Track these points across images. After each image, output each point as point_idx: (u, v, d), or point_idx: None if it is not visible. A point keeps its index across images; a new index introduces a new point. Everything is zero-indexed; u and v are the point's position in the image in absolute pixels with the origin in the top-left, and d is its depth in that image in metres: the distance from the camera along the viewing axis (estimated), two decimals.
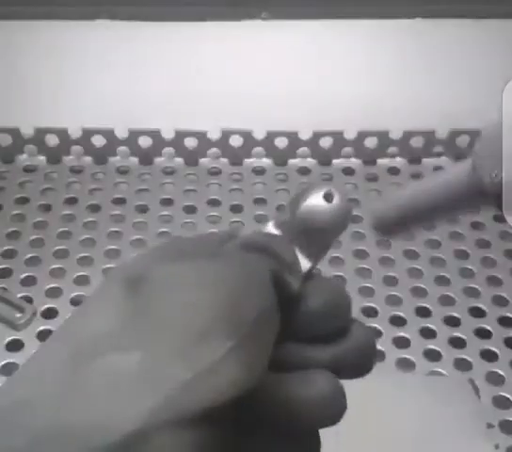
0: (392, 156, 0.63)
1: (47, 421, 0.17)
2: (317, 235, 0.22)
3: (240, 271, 0.20)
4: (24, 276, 0.53)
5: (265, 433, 0.21)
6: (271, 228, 0.23)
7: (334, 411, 0.21)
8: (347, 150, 0.62)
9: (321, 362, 0.22)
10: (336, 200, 0.22)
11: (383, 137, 0.62)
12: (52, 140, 0.61)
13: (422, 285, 0.53)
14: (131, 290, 0.20)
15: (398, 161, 0.63)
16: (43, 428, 0.17)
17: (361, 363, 0.23)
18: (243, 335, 0.19)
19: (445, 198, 0.24)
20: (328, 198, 0.22)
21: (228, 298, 0.19)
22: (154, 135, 0.61)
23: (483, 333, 0.50)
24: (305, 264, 0.22)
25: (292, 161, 0.62)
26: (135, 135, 0.61)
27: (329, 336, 0.22)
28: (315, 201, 0.22)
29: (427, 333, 0.50)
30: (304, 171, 0.62)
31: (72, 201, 0.58)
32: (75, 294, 0.52)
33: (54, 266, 0.53)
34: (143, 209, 0.58)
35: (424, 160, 0.63)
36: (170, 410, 0.17)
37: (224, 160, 0.62)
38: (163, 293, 0.19)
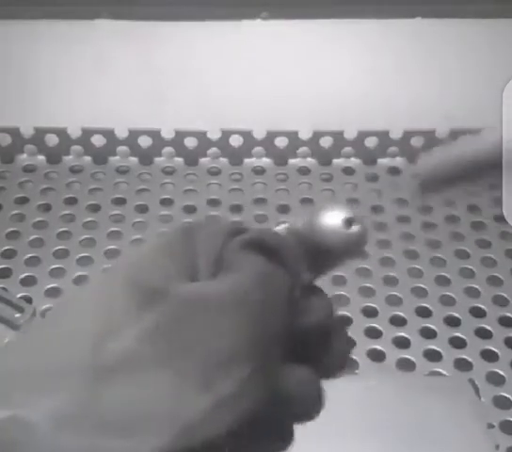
0: (393, 156, 0.63)
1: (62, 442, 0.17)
2: (328, 257, 0.22)
3: (261, 290, 0.20)
4: (23, 276, 0.53)
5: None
6: (282, 231, 0.23)
7: (310, 408, 0.21)
8: (347, 149, 0.62)
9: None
10: (356, 227, 0.22)
11: (383, 136, 0.62)
12: (52, 140, 0.61)
13: (422, 285, 0.53)
14: (147, 303, 0.19)
15: (398, 161, 0.63)
16: None
17: (342, 361, 0.22)
18: (260, 361, 0.18)
19: (490, 155, 0.25)
20: (348, 222, 0.22)
21: (250, 320, 0.19)
22: (154, 134, 0.61)
23: (483, 333, 0.50)
24: (305, 275, 0.22)
25: (292, 161, 0.62)
26: (134, 134, 0.61)
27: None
28: (335, 222, 0.22)
29: (428, 333, 0.50)
30: (304, 171, 0.62)
31: (71, 201, 0.58)
32: None
33: (53, 266, 0.53)
34: (143, 209, 0.58)
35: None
36: (186, 442, 0.17)
37: (224, 160, 0.62)
38: (184, 312, 0.19)
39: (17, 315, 0.50)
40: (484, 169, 0.25)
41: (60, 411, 0.17)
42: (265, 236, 0.22)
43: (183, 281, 0.20)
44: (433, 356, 0.49)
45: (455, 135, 0.62)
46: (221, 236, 0.22)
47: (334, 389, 0.21)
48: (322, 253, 0.22)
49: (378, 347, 0.49)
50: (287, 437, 0.21)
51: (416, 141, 0.62)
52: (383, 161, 0.63)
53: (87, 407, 0.17)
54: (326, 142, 0.62)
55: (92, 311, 0.19)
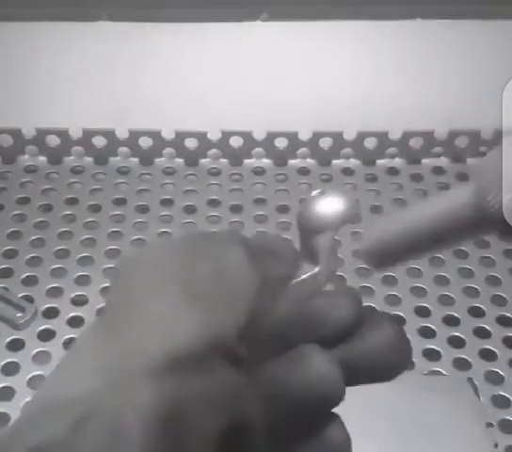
0: (392, 157, 0.63)
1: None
2: (314, 235, 0.22)
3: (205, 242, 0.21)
4: (24, 276, 0.53)
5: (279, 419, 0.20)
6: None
7: (331, 392, 0.20)
8: (347, 150, 0.62)
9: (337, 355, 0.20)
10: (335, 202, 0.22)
11: (382, 137, 0.62)
12: (53, 141, 0.61)
13: (421, 285, 0.53)
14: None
15: (397, 162, 0.63)
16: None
17: (379, 366, 0.21)
18: (200, 291, 0.19)
19: (445, 224, 0.21)
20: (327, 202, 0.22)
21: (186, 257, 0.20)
22: (155, 135, 0.61)
23: (482, 333, 0.51)
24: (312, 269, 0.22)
25: (292, 161, 0.62)
26: (135, 135, 0.61)
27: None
28: (314, 204, 0.22)
29: (427, 333, 0.50)
30: (304, 172, 0.62)
31: (72, 202, 0.59)
32: (76, 294, 0.52)
33: (54, 266, 0.54)
34: (143, 209, 0.59)
35: (424, 161, 0.63)
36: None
37: (224, 161, 0.62)
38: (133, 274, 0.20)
39: (18, 315, 0.50)
40: (444, 235, 0.21)
41: None
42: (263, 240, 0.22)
43: None
44: (432, 355, 0.49)
45: (454, 135, 0.62)
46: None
47: None
48: (309, 235, 0.22)
49: None
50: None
51: (415, 142, 0.62)
52: (382, 162, 0.63)
53: None
54: (325, 143, 0.62)
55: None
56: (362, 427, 0.44)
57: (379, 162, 0.63)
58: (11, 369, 0.47)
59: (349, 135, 0.62)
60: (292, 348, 0.20)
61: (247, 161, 0.62)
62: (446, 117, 0.63)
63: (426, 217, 0.21)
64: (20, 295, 0.51)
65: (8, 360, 0.48)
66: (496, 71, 0.61)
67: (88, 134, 0.61)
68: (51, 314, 0.51)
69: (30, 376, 0.47)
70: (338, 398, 0.20)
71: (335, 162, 0.63)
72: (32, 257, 0.54)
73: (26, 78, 0.65)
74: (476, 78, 0.65)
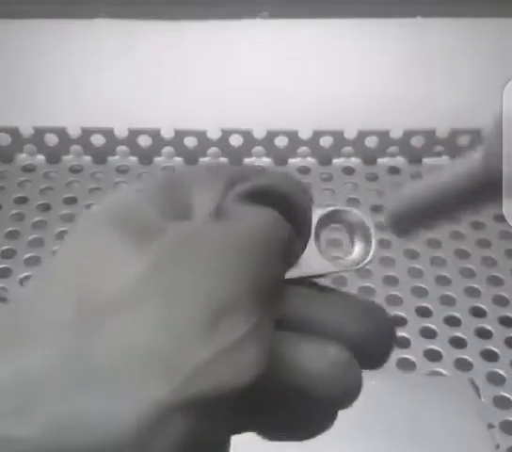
0: (393, 156, 0.63)
1: (54, 410, 0.15)
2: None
3: (262, 238, 0.18)
4: (23, 276, 0.53)
5: (278, 410, 0.19)
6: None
7: (350, 389, 0.19)
8: (347, 149, 0.62)
9: (339, 336, 0.19)
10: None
11: (383, 136, 0.62)
12: (51, 140, 0.61)
13: (422, 285, 0.53)
14: (140, 244, 0.17)
15: (398, 160, 0.63)
16: (62, 416, 0.15)
17: (382, 351, 0.21)
18: (263, 310, 0.17)
19: (459, 190, 0.22)
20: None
21: (249, 267, 0.17)
22: (154, 134, 0.61)
23: (483, 333, 0.50)
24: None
25: (292, 160, 0.62)
26: (134, 134, 0.61)
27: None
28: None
29: (428, 333, 0.50)
30: (304, 171, 0.62)
31: (71, 201, 0.58)
32: None
33: None
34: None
35: (425, 160, 0.63)
36: (189, 393, 0.15)
37: (224, 159, 0.62)
38: (184, 251, 0.16)
39: None
40: (465, 199, 0.22)
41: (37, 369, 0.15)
42: (271, 183, 0.19)
43: (179, 221, 0.18)
44: (433, 356, 0.49)
45: (455, 134, 0.62)
46: (221, 184, 0.19)
47: None
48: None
49: None
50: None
51: (416, 141, 0.62)
52: (383, 161, 0.62)
53: (69, 359, 0.15)
54: (326, 142, 0.62)
55: (75, 259, 0.17)
56: (363, 427, 0.44)
57: (380, 161, 0.62)
58: None
59: (350, 133, 0.61)
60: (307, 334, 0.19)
61: (246, 160, 0.62)
62: (447, 116, 0.62)
63: (442, 182, 0.23)
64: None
65: None
66: (498, 69, 0.61)
67: (87, 132, 0.60)
68: None
69: None
70: (355, 397, 0.19)
71: (336, 161, 0.62)
72: (30, 257, 0.54)
73: (24, 76, 0.65)
74: (478, 77, 0.65)
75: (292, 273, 0.20)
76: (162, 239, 0.17)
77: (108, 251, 0.17)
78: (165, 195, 0.19)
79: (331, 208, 0.22)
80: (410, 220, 0.24)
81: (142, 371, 0.15)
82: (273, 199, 0.19)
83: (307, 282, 0.21)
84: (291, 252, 0.19)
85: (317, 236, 0.21)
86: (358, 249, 0.22)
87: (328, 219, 0.22)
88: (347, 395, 0.19)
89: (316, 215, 0.21)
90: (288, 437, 0.20)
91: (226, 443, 0.17)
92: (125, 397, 0.15)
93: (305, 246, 0.20)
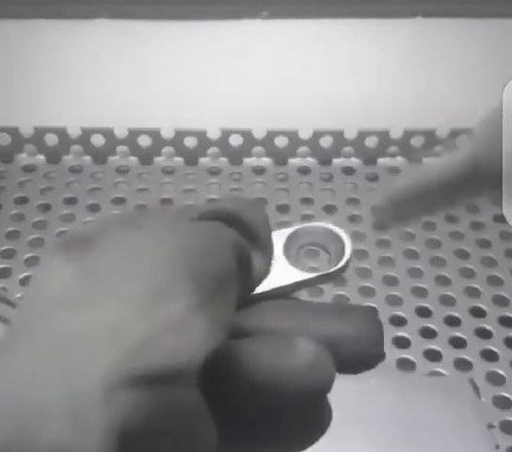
0: (393, 156, 0.63)
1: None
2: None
3: (199, 234, 0.19)
4: (23, 276, 0.53)
5: (247, 413, 0.19)
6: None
7: (321, 380, 0.19)
8: (347, 149, 0.62)
9: (312, 335, 0.19)
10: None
11: (383, 136, 0.62)
12: (51, 140, 0.61)
13: (422, 285, 0.53)
14: (74, 253, 0.18)
15: (399, 160, 0.63)
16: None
17: (364, 349, 0.20)
18: (207, 291, 0.17)
19: (445, 183, 0.22)
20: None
21: (187, 255, 0.18)
22: (154, 134, 0.61)
23: (483, 333, 0.50)
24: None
25: (292, 160, 0.62)
26: (134, 134, 0.61)
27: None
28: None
29: (428, 333, 0.50)
30: (304, 171, 0.62)
31: (71, 201, 0.58)
32: None
33: None
34: (143, 208, 0.58)
35: (425, 160, 0.63)
36: (131, 367, 0.15)
37: (224, 159, 0.62)
38: (114, 252, 0.18)
39: None
40: (456, 190, 0.23)
41: None
42: (218, 206, 0.20)
43: None
44: (433, 356, 0.49)
45: (455, 134, 0.62)
46: (171, 212, 0.21)
47: (333, 389, 0.20)
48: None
49: None
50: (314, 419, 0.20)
51: (416, 141, 0.62)
52: (383, 161, 0.62)
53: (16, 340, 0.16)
54: (326, 142, 0.62)
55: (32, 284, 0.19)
56: (362, 427, 0.44)
57: (380, 161, 0.62)
58: None
59: (350, 133, 0.61)
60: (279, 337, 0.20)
61: (246, 160, 0.62)
62: (447, 115, 0.62)
63: (426, 178, 0.23)
64: (18, 295, 0.51)
65: None
66: (498, 69, 0.61)
67: (87, 132, 0.60)
68: None
69: None
70: (328, 387, 0.19)
71: (336, 161, 0.62)
72: (30, 257, 0.54)
73: (24, 76, 0.65)
74: (478, 77, 0.65)
75: (263, 286, 0.21)
76: (93, 245, 0.18)
77: (50, 266, 0.18)
78: (117, 220, 0.20)
79: (298, 226, 0.23)
80: (397, 213, 0.24)
81: (82, 350, 0.15)
82: (223, 220, 0.20)
83: (286, 297, 0.22)
84: (247, 260, 0.20)
85: (288, 252, 0.22)
86: (333, 257, 0.23)
87: (300, 236, 0.23)
88: (318, 384, 0.19)
89: (284, 234, 0.22)
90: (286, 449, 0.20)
91: (200, 427, 0.17)
92: (65, 376, 0.15)
93: (269, 260, 0.21)
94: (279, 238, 0.22)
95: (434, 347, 0.49)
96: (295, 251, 0.22)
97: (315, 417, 0.20)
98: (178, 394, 0.16)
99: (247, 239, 0.20)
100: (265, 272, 0.21)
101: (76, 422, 0.14)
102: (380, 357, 0.21)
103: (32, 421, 0.14)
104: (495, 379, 0.48)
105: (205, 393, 0.17)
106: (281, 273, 0.22)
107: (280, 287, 0.22)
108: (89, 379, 0.15)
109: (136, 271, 0.17)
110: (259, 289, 0.21)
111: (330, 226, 0.23)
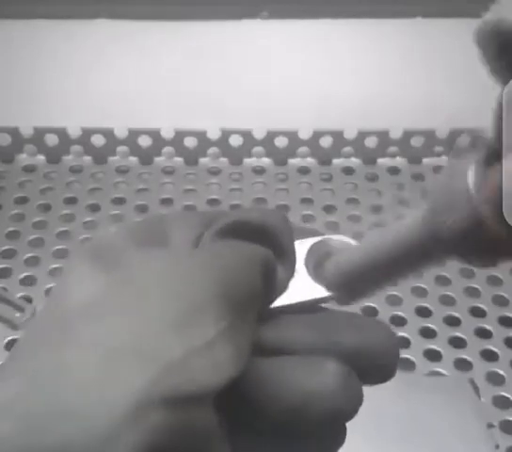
0: (393, 156, 0.63)
1: (43, 406, 0.15)
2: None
3: (229, 253, 0.19)
4: (23, 276, 0.53)
5: (263, 432, 0.19)
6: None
7: (349, 404, 0.19)
8: (347, 149, 0.62)
9: (334, 352, 0.19)
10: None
11: (383, 136, 0.62)
12: (51, 140, 0.61)
13: (422, 285, 0.53)
14: (104, 263, 0.18)
15: (398, 161, 0.63)
16: (39, 414, 0.15)
17: (383, 363, 0.20)
18: (235, 313, 0.17)
19: (402, 251, 0.20)
20: None
21: (218, 275, 0.18)
22: (154, 134, 0.61)
23: (483, 333, 0.50)
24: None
25: (292, 161, 0.62)
26: (134, 134, 0.61)
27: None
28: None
29: (428, 333, 0.50)
30: (304, 171, 0.62)
31: (71, 201, 0.58)
32: None
33: (53, 266, 0.53)
34: (143, 209, 0.58)
35: (425, 160, 0.63)
36: (164, 388, 0.15)
37: (224, 160, 0.62)
38: (145, 268, 0.18)
39: (17, 315, 0.50)
40: (403, 263, 0.20)
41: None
42: (242, 217, 0.20)
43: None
44: (433, 356, 0.49)
45: (455, 134, 0.62)
46: (197, 223, 0.21)
47: None
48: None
49: None
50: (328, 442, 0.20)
51: (416, 141, 0.62)
52: (383, 161, 0.62)
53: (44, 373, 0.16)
54: (325, 142, 0.62)
55: (56, 289, 0.19)
56: (363, 427, 0.44)
57: (380, 161, 0.62)
58: None
59: (350, 133, 0.61)
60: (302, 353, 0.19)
61: (246, 160, 0.62)
62: (447, 115, 0.62)
63: (384, 244, 0.20)
64: (18, 295, 0.51)
65: None
66: None
67: (87, 133, 0.60)
68: None
69: None
70: (356, 410, 0.19)
71: (336, 161, 0.62)
72: (31, 257, 0.54)
73: (24, 76, 0.65)
74: (478, 77, 0.65)
75: (283, 300, 0.21)
76: (129, 260, 0.18)
77: (79, 279, 0.18)
78: (142, 230, 0.20)
79: (320, 237, 0.22)
80: (355, 287, 0.21)
81: (114, 369, 0.15)
82: (248, 232, 0.20)
83: (306, 310, 0.21)
84: (272, 275, 0.20)
85: (308, 265, 0.22)
86: None
87: (320, 247, 0.22)
88: (345, 408, 0.19)
89: (306, 244, 0.22)
90: None
91: (216, 449, 0.17)
92: (98, 393, 0.15)
93: (291, 272, 0.21)
94: (299, 248, 0.22)
95: (434, 346, 0.49)
96: (313, 263, 0.22)
97: (332, 437, 0.20)
98: (198, 416, 0.16)
99: (271, 250, 0.20)
100: (287, 284, 0.21)
101: (109, 439, 0.15)
102: (394, 370, 0.21)
103: (77, 435, 0.15)
104: (495, 379, 0.48)
105: (223, 409, 0.17)
106: (302, 288, 0.21)
107: (300, 302, 0.21)
108: (125, 396, 0.15)
109: (168, 289, 0.17)
110: (278, 302, 0.21)
111: (350, 240, 0.22)
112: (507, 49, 0.16)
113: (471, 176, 0.17)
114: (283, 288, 0.21)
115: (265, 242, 0.20)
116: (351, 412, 0.19)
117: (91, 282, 0.18)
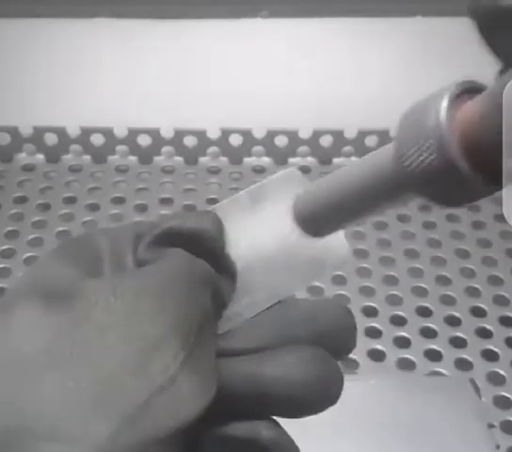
0: None
1: None
2: None
3: (175, 277, 0.18)
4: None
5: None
6: None
7: (329, 384, 0.20)
8: (348, 148, 0.62)
9: (299, 337, 0.20)
10: None
11: (384, 135, 0.61)
12: (50, 139, 0.61)
13: (422, 285, 0.53)
14: (53, 306, 0.17)
15: None
16: None
17: (343, 339, 0.22)
18: (192, 343, 0.17)
19: (368, 185, 0.19)
20: None
21: (170, 304, 0.17)
22: (154, 133, 0.60)
23: (484, 333, 0.50)
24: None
25: (292, 160, 0.62)
26: (134, 133, 0.60)
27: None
28: None
29: (428, 333, 0.50)
30: (304, 170, 0.62)
31: (70, 201, 0.58)
32: None
33: None
34: (142, 208, 0.58)
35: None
36: (126, 440, 0.15)
37: (224, 159, 0.62)
38: (99, 304, 0.17)
39: None
40: (368, 199, 0.19)
41: None
42: (173, 223, 0.20)
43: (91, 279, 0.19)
44: (433, 356, 0.49)
45: None
46: (128, 237, 0.20)
47: None
48: None
49: (378, 347, 0.49)
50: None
51: None
52: None
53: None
54: (326, 141, 0.62)
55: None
56: (363, 427, 0.44)
57: None
58: None
59: (350, 133, 0.61)
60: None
61: (246, 159, 0.62)
62: None
63: (351, 178, 0.20)
64: None
65: None
66: (497, 69, 0.60)
67: (87, 132, 0.60)
68: None
69: None
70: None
71: (336, 160, 0.62)
72: (30, 256, 0.54)
73: (24, 75, 0.65)
74: (478, 77, 0.65)
75: (252, 236, 0.21)
76: (72, 300, 0.17)
77: (27, 318, 0.17)
78: (76, 256, 0.19)
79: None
80: (321, 221, 0.21)
81: (74, 423, 0.15)
82: (180, 237, 0.19)
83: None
84: (219, 292, 0.19)
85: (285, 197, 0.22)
86: None
87: None
88: (328, 392, 0.19)
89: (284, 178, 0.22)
90: None
91: None
92: (63, 445, 0.15)
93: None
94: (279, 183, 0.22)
95: (434, 346, 0.49)
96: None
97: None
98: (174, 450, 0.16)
99: (209, 261, 0.19)
100: (230, 296, 0.20)
101: None
102: (355, 340, 0.23)
103: None
104: (495, 379, 0.48)
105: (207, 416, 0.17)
106: (272, 221, 0.22)
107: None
108: (85, 450, 0.15)
109: (120, 327, 0.17)
110: (245, 243, 0.21)
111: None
112: (502, 20, 0.17)
113: (442, 109, 0.17)
114: (229, 298, 0.20)
115: (202, 251, 0.20)
116: (326, 391, 0.19)
117: (43, 327, 0.17)
